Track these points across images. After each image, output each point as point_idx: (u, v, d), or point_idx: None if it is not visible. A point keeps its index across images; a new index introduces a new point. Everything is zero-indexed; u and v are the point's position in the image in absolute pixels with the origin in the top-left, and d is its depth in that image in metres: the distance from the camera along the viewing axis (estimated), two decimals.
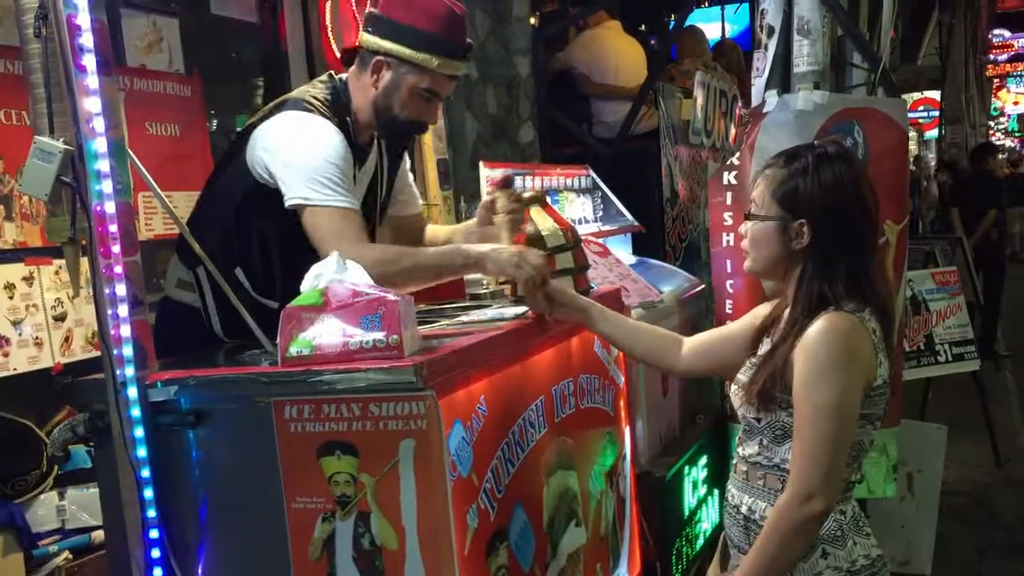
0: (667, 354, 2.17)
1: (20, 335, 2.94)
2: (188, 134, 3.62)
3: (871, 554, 1.83)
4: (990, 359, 6.89)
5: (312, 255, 2.19)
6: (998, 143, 17.77)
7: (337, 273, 1.81)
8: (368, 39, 2.29)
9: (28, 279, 2.99)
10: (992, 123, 25.79)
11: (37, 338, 3.01)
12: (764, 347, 1.96)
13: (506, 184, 2.44)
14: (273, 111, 2.29)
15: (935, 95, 12.60)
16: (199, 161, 3.64)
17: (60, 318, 3.09)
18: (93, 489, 2.79)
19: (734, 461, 1.97)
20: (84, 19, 1.72)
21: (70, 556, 2.63)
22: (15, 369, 2.92)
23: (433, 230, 2.76)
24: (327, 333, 1.75)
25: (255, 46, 4.12)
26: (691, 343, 2.17)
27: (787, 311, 1.91)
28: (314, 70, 4.08)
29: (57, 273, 3.08)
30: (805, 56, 3.22)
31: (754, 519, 1.85)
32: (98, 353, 3.15)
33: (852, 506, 1.86)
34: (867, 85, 3.38)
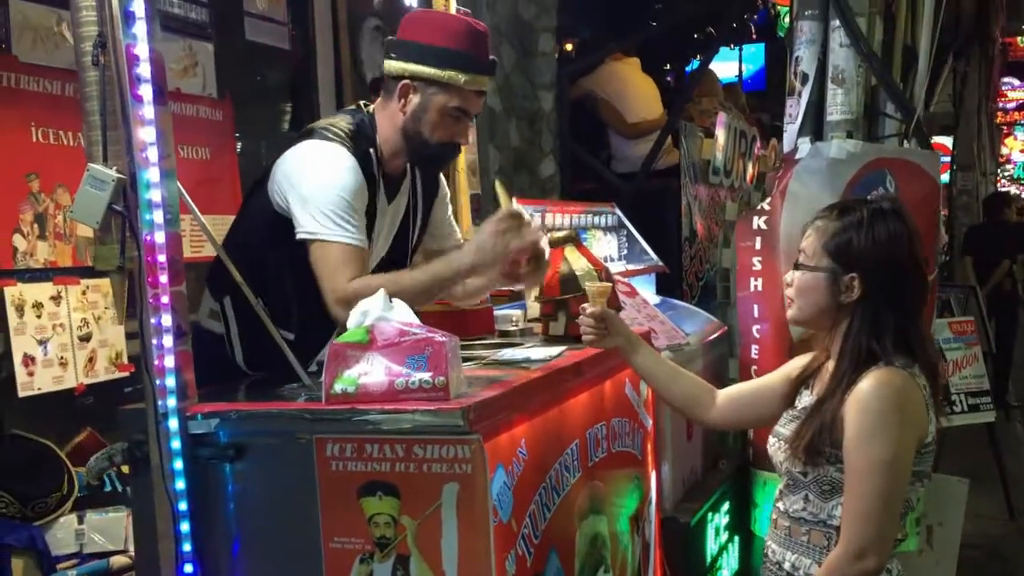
0: (701, 401, 2.15)
1: (45, 354, 2.93)
2: (218, 158, 3.63)
3: None
4: (1002, 409, 6.86)
5: None
6: (1003, 190, 17.83)
7: (384, 311, 1.80)
8: (392, 65, 2.27)
9: (56, 298, 2.98)
10: (999, 170, 25.88)
11: (62, 358, 3.00)
12: (805, 399, 1.95)
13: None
14: (296, 140, 2.29)
15: (946, 140, 12.63)
16: (227, 185, 3.65)
17: (85, 338, 3.08)
18: (112, 513, 2.78)
19: (773, 516, 1.95)
20: (143, 49, 1.72)
21: None
22: (39, 388, 2.91)
23: None
24: (373, 371, 1.74)
25: (286, 72, 4.14)
26: (725, 395, 2.16)
27: (830, 363, 1.90)
28: (342, 96, 4.10)
29: (84, 293, 3.08)
30: (839, 104, 3.23)
31: None
32: (122, 375, 3.18)
33: (897, 565, 1.84)
34: (899, 135, 3.38)
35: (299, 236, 2.15)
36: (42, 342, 2.93)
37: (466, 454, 1.66)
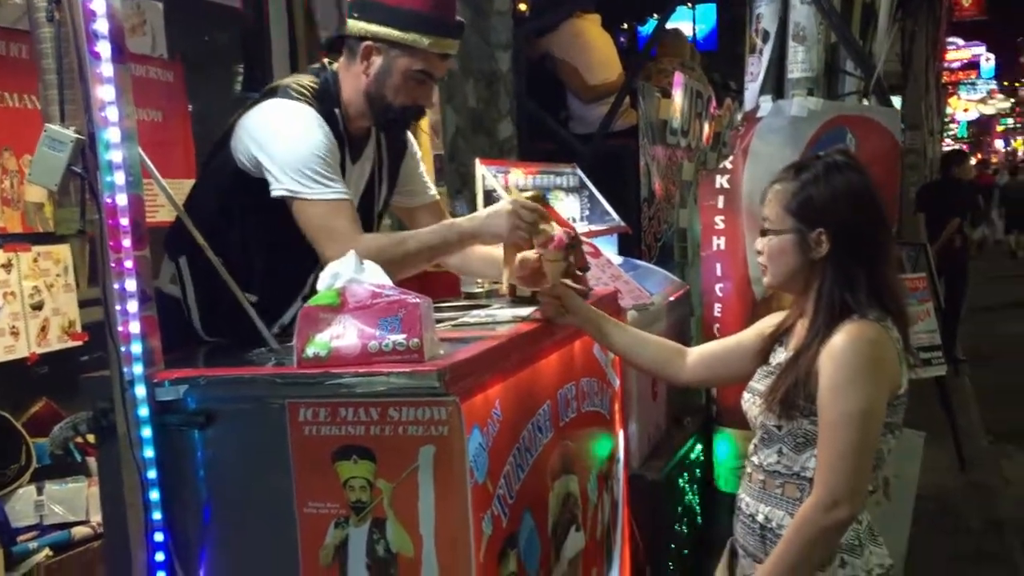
0: (671, 364, 2.16)
1: None
2: (170, 120, 3.53)
3: (884, 563, 1.85)
4: (951, 364, 7.02)
5: (293, 249, 2.15)
6: (955, 148, 18.19)
7: (355, 272, 1.77)
8: (355, 25, 2.22)
9: (6, 266, 2.89)
10: (944, 129, 26.37)
11: (14, 327, 2.92)
12: (779, 356, 1.96)
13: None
14: (260, 99, 2.23)
15: (895, 100, 12.77)
16: (181, 147, 3.56)
17: (37, 307, 3.00)
18: (72, 484, 2.72)
19: (748, 470, 1.96)
20: (99, 4, 1.66)
21: (50, 553, 2.55)
22: None
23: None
24: (345, 334, 1.71)
25: (238, 32, 4.04)
26: (696, 353, 2.17)
27: (804, 320, 1.91)
28: (296, 57, 4.01)
29: (36, 260, 2.98)
30: (800, 62, 3.23)
31: (771, 528, 1.85)
32: (75, 343, 3.10)
33: (867, 515, 1.87)
34: (859, 93, 3.40)
35: (275, 193, 2.10)
36: None
37: (442, 416, 1.65)
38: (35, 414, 2.90)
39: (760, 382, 1.95)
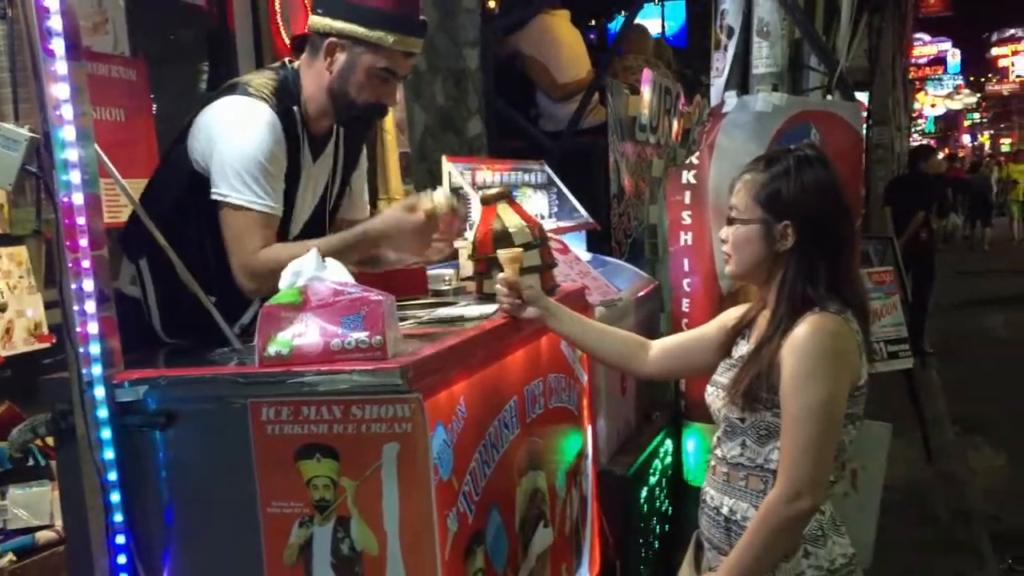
0: (634, 357, 2.17)
1: None
2: (133, 119, 3.49)
3: (847, 552, 1.86)
4: (918, 356, 7.09)
5: None
6: (923, 143, 18.44)
7: (317, 271, 1.76)
8: (318, 21, 2.20)
9: None
10: (911, 125, 26.67)
11: None
12: (741, 348, 1.97)
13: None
14: (218, 95, 2.21)
15: (862, 96, 12.90)
16: (144, 146, 3.51)
17: (1, 309, 2.96)
18: (36, 487, 2.68)
19: (711, 463, 1.97)
20: (53, 1, 1.64)
21: (14, 558, 2.51)
22: None
23: None
24: (307, 333, 1.70)
25: (202, 29, 4.00)
26: (659, 346, 2.18)
27: (766, 312, 1.93)
28: (261, 54, 3.98)
29: None
30: (764, 58, 3.25)
31: (736, 520, 1.86)
32: (41, 346, 3.06)
33: (830, 506, 1.88)
34: (823, 88, 3.42)
35: (212, 196, 2.11)
36: None
37: (406, 413, 1.64)
38: None
39: (723, 375, 1.96)
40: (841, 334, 1.80)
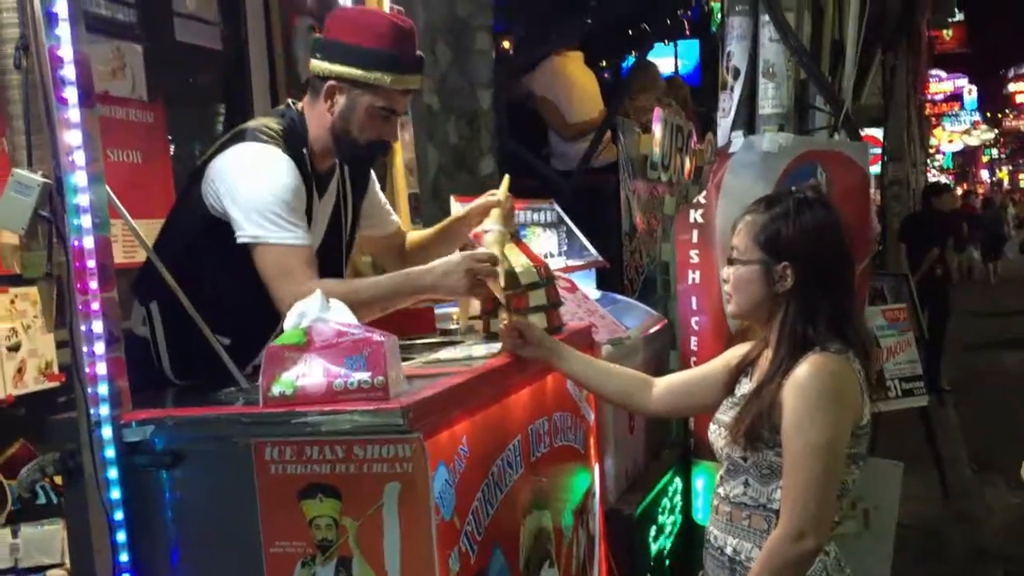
0: (638, 395, 2.18)
1: None
2: (150, 161, 3.55)
3: None
4: (935, 394, 7.05)
5: (265, 291, 2.16)
6: (937, 180, 18.45)
7: (321, 312, 1.79)
8: (318, 65, 2.26)
9: None
10: (928, 160, 26.68)
11: None
12: (744, 387, 1.98)
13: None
14: (228, 143, 2.26)
15: (876, 132, 12.92)
16: (161, 188, 3.57)
17: (14, 348, 3.00)
18: (48, 526, 2.71)
19: (715, 502, 1.98)
20: (67, 51, 1.69)
21: None
22: None
23: (412, 237, 2.75)
24: (311, 373, 1.73)
25: (219, 73, 4.08)
26: (664, 384, 2.19)
27: (768, 352, 1.94)
28: (277, 98, 4.05)
29: (13, 302, 2.99)
30: (770, 98, 3.28)
31: (740, 560, 1.86)
32: (52, 384, 3.10)
33: (834, 546, 1.88)
34: (829, 128, 3.45)
35: (240, 240, 2.13)
36: None
37: (407, 453, 1.66)
38: (12, 456, 2.88)
39: (725, 413, 1.97)
40: (842, 374, 1.81)
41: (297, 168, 2.21)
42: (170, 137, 3.71)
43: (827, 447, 1.75)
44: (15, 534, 2.66)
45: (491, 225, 2.21)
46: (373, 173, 2.62)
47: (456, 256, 2.21)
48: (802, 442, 1.75)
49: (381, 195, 2.67)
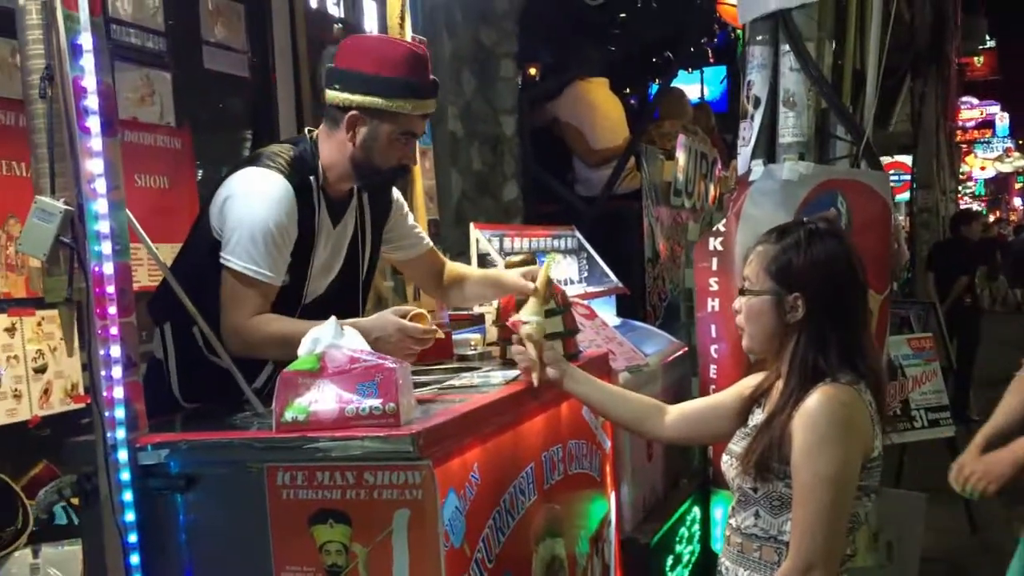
0: (650, 420, 2.17)
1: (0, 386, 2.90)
2: (177, 186, 3.61)
3: None
4: (963, 424, 6.96)
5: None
6: (966, 208, 18.26)
7: (335, 338, 1.81)
8: (335, 96, 2.28)
9: (10, 330, 2.95)
10: (960, 187, 26.41)
11: (16, 390, 2.97)
12: (756, 417, 1.98)
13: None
14: (241, 165, 2.31)
15: (906, 159, 12.83)
16: (187, 213, 3.62)
17: (41, 370, 3.05)
18: (68, 547, 2.74)
19: (727, 533, 1.97)
20: (90, 81, 1.73)
21: None
22: None
23: (454, 269, 2.74)
24: (323, 399, 1.75)
25: (246, 100, 4.14)
26: (677, 411, 2.19)
27: (780, 382, 1.93)
28: (303, 125, 4.11)
29: (39, 324, 3.04)
30: (791, 127, 3.28)
31: None
32: (77, 406, 3.15)
33: None
34: (850, 157, 3.44)
35: (221, 259, 2.19)
36: None
37: (416, 480, 1.67)
38: (34, 476, 2.93)
39: (737, 443, 1.97)
40: (852, 405, 1.80)
41: (301, 197, 2.24)
42: (197, 163, 3.77)
43: (836, 479, 1.74)
44: (36, 554, 2.69)
45: (529, 317, 2.21)
46: (400, 196, 2.64)
47: (392, 323, 2.16)
48: (811, 474, 1.74)
49: (410, 218, 2.67)
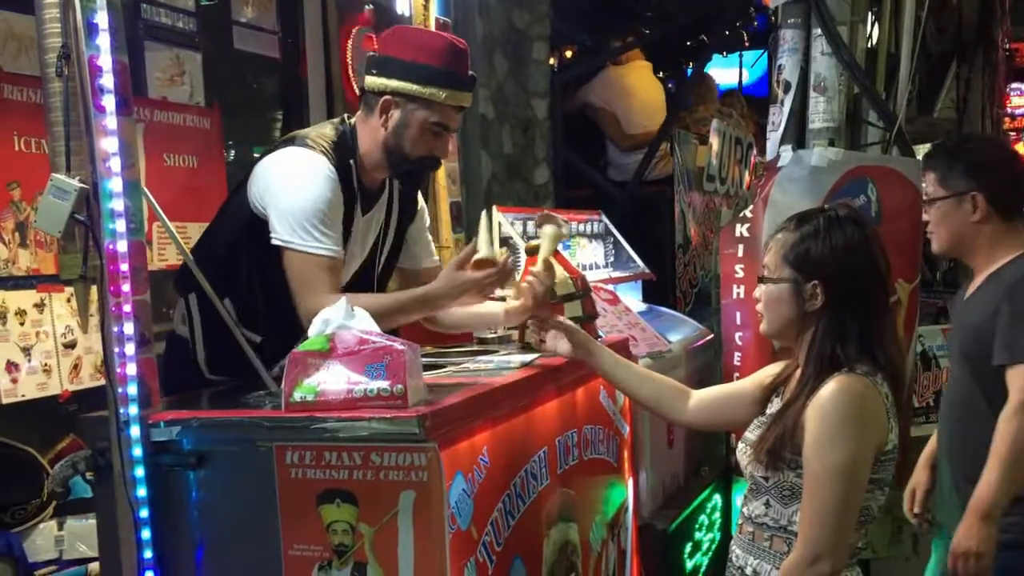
0: (673, 403, 2.16)
1: (30, 362, 2.95)
2: (206, 166, 3.64)
3: None
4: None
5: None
6: None
7: (345, 320, 1.81)
8: (373, 81, 2.30)
9: (39, 306, 3.00)
10: None
11: (46, 365, 3.02)
12: (774, 406, 1.96)
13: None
14: (281, 144, 2.32)
15: None
16: (216, 193, 3.65)
17: (70, 345, 3.10)
18: (92, 520, 2.78)
19: (739, 521, 1.95)
20: (106, 60, 1.74)
21: None
22: (23, 396, 2.92)
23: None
24: (332, 380, 1.75)
25: (275, 81, 4.16)
26: (699, 396, 2.17)
27: (798, 371, 1.91)
28: (333, 106, 4.12)
29: (68, 300, 3.09)
30: (821, 113, 3.23)
31: None
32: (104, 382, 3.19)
33: (857, 571, 1.84)
34: (882, 144, 3.38)
35: (274, 241, 2.18)
36: (26, 349, 2.95)
37: (422, 462, 1.67)
38: (62, 450, 2.98)
39: (753, 432, 1.95)
40: (867, 396, 1.77)
41: (341, 180, 2.25)
42: (226, 143, 3.80)
43: (846, 471, 1.71)
44: (60, 526, 2.74)
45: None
46: (424, 205, 2.64)
47: (462, 283, 2.23)
48: (821, 464, 1.72)
49: (427, 233, 2.68)
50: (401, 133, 2.29)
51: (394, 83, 2.26)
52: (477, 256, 2.26)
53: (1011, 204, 2.47)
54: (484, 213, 2.30)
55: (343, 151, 2.30)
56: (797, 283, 1.87)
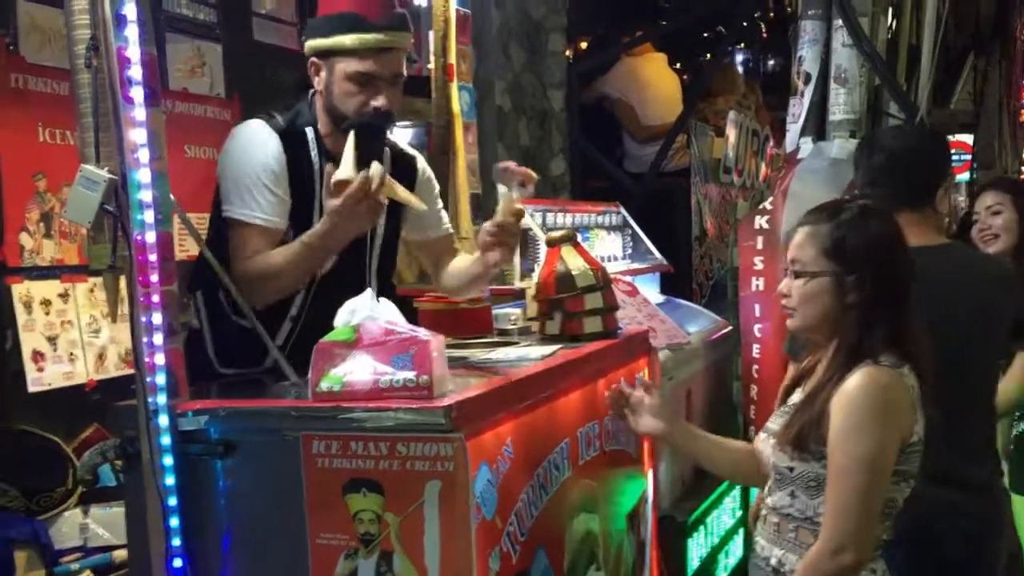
0: (751, 466, 2.08)
1: (55, 351, 2.98)
2: None
3: None
4: None
5: None
6: None
7: (371, 310, 1.82)
8: (305, 47, 2.29)
9: (64, 296, 3.03)
10: (1023, 168, 25.70)
11: (72, 354, 3.05)
12: (796, 397, 1.96)
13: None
14: None
15: (967, 139, 12.49)
16: None
17: (96, 334, 3.13)
18: (117, 508, 2.82)
19: (763, 512, 1.95)
20: (134, 52, 1.75)
21: (91, 575, 2.64)
22: (49, 384, 2.96)
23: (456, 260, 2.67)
24: (358, 370, 1.76)
25: (295, 72, 4.16)
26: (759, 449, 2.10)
27: (824, 361, 1.90)
28: None
29: (92, 291, 3.12)
30: (841, 104, 3.23)
31: (784, 572, 1.84)
32: (131, 371, 3.21)
33: (883, 564, 1.84)
34: None
35: (223, 214, 2.21)
36: (51, 339, 2.98)
37: (448, 452, 1.68)
38: (86, 439, 3.01)
39: (775, 422, 1.95)
40: (893, 388, 1.76)
41: (293, 143, 2.22)
42: None
43: (871, 462, 1.71)
44: (85, 514, 2.78)
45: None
46: (430, 176, 2.61)
47: (331, 213, 2.08)
48: (845, 455, 1.72)
49: (438, 202, 2.61)
50: (331, 91, 2.25)
51: (309, 43, 2.26)
52: (336, 178, 2.06)
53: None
54: (351, 135, 2.19)
55: (299, 119, 2.28)
56: (839, 276, 1.83)
